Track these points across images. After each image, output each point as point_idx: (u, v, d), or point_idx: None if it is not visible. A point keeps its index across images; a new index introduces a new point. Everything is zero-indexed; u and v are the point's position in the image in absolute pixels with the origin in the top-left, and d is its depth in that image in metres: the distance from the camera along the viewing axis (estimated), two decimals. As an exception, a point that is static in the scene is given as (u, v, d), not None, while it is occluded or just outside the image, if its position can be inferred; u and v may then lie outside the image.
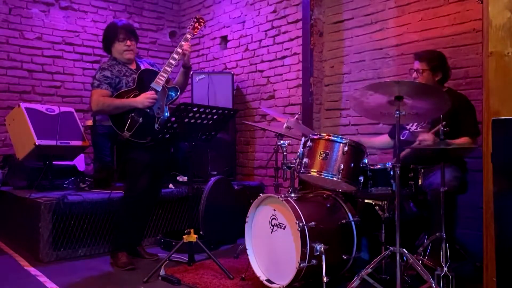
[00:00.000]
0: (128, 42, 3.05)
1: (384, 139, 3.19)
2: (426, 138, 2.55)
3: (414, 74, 2.86)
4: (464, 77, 3.24)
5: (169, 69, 3.03)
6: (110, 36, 3.07)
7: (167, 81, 3.10)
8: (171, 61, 3.03)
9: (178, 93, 3.09)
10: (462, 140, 2.65)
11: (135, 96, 2.95)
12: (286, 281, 2.33)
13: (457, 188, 2.62)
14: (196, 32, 3.21)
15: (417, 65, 2.85)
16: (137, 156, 2.96)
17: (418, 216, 2.72)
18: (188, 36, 3.11)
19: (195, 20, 3.20)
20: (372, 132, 3.74)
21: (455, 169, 2.67)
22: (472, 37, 3.22)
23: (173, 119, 2.78)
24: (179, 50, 3.04)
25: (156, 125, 2.95)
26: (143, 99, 2.91)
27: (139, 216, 3.08)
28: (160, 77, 3.01)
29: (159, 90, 2.99)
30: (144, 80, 3.01)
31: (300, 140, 2.56)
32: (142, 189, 2.95)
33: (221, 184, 3.65)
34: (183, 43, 3.05)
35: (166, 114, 2.99)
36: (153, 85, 2.98)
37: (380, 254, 2.28)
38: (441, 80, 2.86)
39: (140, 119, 2.90)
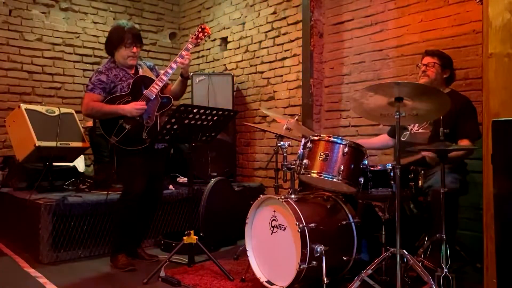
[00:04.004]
0: (134, 49, 2.99)
1: (382, 139, 3.19)
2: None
3: (423, 68, 2.85)
4: (464, 78, 3.24)
5: (165, 78, 3.00)
6: (116, 39, 2.99)
7: (163, 88, 3.05)
8: (168, 70, 2.99)
9: (171, 103, 3.05)
10: (462, 143, 2.65)
11: (127, 102, 2.93)
12: (286, 282, 2.33)
13: (458, 189, 2.62)
14: (199, 42, 3.11)
15: (428, 59, 2.86)
16: (132, 159, 2.96)
17: (419, 218, 2.72)
18: (190, 46, 3.03)
19: (200, 30, 3.08)
20: (372, 133, 3.74)
21: (456, 170, 2.67)
22: (472, 38, 3.22)
23: (173, 120, 2.78)
24: (178, 59, 2.98)
25: (144, 134, 2.93)
26: (131, 108, 2.90)
27: (136, 218, 3.07)
28: (155, 85, 2.98)
29: (152, 98, 2.97)
30: (139, 87, 2.99)
31: (300, 141, 2.56)
32: (137, 192, 2.94)
33: (221, 185, 3.65)
34: (183, 52, 2.99)
35: (156, 125, 2.98)
36: (146, 93, 2.97)
37: (380, 255, 2.28)
38: (448, 79, 2.88)
39: (129, 126, 2.90)
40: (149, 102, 2.96)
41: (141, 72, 3.10)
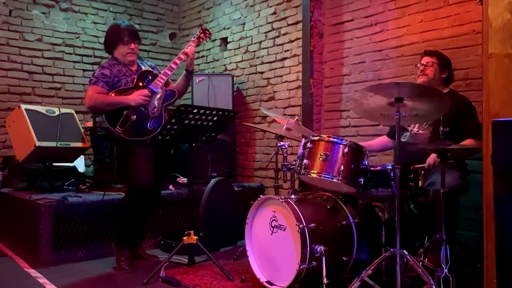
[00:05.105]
0: (132, 45, 3.04)
1: (381, 141, 3.19)
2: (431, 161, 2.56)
3: (422, 67, 2.87)
4: (464, 78, 3.24)
5: (169, 72, 3.06)
6: (114, 38, 3.05)
7: (166, 84, 3.10)
8: (172, 65, 3.06)
9: (176, 96, 3.09)
10: (468, 142, 2.65)
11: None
12: (286, 282, 2.33)
13: (459, 188, 2.61)
14: (200, 42, 3.23)
15: (426, 59, 2.88)
16: (139, 150, 2.96)
17: (419, 218, 2.72)
18: (193, 43, 3.14)
19: (201, 30, 3.22)
20: (372, 134, 3.74)
21: (457, 170, 2.67)
22: (472, 38, 3.22)
23: (173, 120, 2.78)
24: (182, 56, 3.07)
25: (149, 124, 2.94)
26: (136, 96, 2.92)
27: (143, 212, 3.05)
28: (159, 79, 3.03)
29: (157, 91, 3.00)
30: (143, 81, 3.03)
31: (300, 142, 2.56)
32: (147, 181, 2.91)
33: (221, 185, 3.65)
34: (187, 48, 3.08)
35: (161, 116, 2.99)
36: (151, 86, 3.00)
37: (380, 256, 2.28)
38: (446, 79, 2.89)
39: (134, 116, 2.91)
40: (153, 95, 2.98)
41: (143, 69, 3.14)
